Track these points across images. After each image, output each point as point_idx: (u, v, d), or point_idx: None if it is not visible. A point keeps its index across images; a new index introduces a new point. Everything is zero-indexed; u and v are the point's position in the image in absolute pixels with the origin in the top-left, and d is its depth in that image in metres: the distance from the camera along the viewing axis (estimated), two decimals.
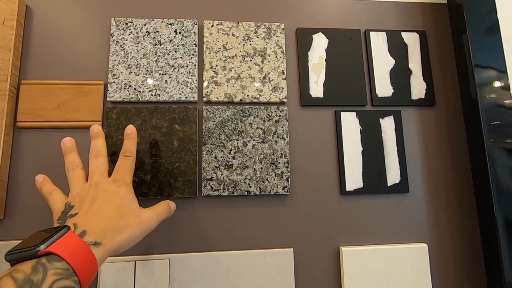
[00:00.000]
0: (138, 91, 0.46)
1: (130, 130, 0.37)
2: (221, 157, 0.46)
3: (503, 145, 0.45)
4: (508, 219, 0.44)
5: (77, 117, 0.45)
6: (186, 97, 0.47)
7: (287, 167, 0.46)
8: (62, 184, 0.36)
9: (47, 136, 0.44)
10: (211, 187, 0.45)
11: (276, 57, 0.49)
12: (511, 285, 0.42)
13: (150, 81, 0.46)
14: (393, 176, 0.48)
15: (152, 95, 0.46)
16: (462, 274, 0.47)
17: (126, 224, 0.31)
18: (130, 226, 0.31)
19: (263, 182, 0.45)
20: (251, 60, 0.48)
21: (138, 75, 0.46)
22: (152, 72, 0.47)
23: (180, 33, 0.48)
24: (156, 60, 0.47)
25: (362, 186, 0.48)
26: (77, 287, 0.25)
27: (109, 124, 0.45)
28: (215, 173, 0.45)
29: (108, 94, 0.45)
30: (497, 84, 0.47)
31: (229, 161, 0.45)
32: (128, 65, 0.46)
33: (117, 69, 0.46)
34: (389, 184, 0.48)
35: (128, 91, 0.46)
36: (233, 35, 0.49)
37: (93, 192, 0.32)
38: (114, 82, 0.46)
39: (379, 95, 0.50)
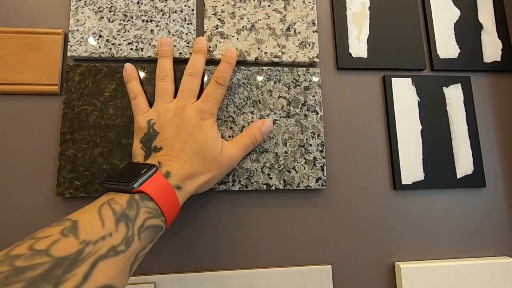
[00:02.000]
0: (113, 44, 0.32)
1: (231, 52, 0.33)
2: (229, 136, 0.33)
3: None
4: None
5: (22, 79, 0.31)
6: (180, 53, 0.33)
7: (321, 151, 0.33)
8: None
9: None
10: None
11: (303, 1, 0.36)
12: None
13: (129, 30, 0.33)
14: (463, 165, 0.35)
15: (132, 49, 0.33)
16: None
17: (206, 169, 0.30)
18: (209, 172, 0.31)
19: (289, 172, 0.32)
20: (269, 6, 0.35)
21: (113, 21, 0.33)
22: (132, 18, 0.33)
23: None
24: (138, 2, 0.34)
25: (423, 178, 0.35)
26: (164, 226, 0.27)
27: (69, 89, 0.31)
28: None
29: (69, 47, 0.32)
30: None
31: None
32: (98, 8, 0.33)
33: (82, 13, 0.33)
34: (459, 175, 0.35)
35: (98, 43, 0.32)
36: None
37: (178, 121, 0.31)
38: (77, 30, 0.32)
39: (441, 56, 0.37)
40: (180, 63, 0.33)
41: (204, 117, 0.32)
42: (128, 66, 0.33)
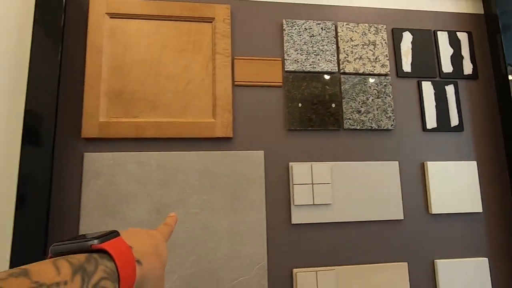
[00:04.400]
0: (303, 65, 0.74)
1: (173, 215, 0.42)
2: (353, 105, 0.74)
3: None
4: None
5: (268, 79, 0.72)
6: (331, 69, 0.75)
7: None
8: None
9: (245, 91, 0.72)
10: (350, 122, 0.73)
11: (382, 45, 0.78)
12: None
13: (309, 58, 0.74)
14: None
15: (311, 67, 0.74)
16: None
17: (161, 261, 0.33)
18: (163, 268, 0.33)
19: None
20: (365, 48, 0.77)
21: (302, 55, 0.74)
22: (310, 53, 0.75)
23: (324, 29, 0.76)
24: (312, 46, 0.75)
25: None
26: None
27: (287, 83, 0.73)
28: (351, 114, 0.73)
29: (285, 66, 0.73)
30: None
31: (359, 109, 0.74)
32: (295, 49, 0.75)
33: (289, 51, 0.74)
34: None
35: (296, 64, 0.74)
36: (356, 31, 0.77)
37: (133, 229, 0.34)
38: (287, 59, 0.74)
39: (444, 71, 0.80)
40: (332, 74, 0.75)
41: (160, 235, 0.36)
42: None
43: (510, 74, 0.76)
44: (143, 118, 0.67)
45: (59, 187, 0.61)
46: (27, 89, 0.60)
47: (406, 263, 0.69)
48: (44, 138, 0.59)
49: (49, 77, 0.61)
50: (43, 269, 0.21)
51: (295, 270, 0.66)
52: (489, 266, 0.72)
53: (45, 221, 0.57)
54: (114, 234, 0.28)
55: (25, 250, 0.55)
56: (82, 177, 0.63)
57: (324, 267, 0.66)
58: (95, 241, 0.26)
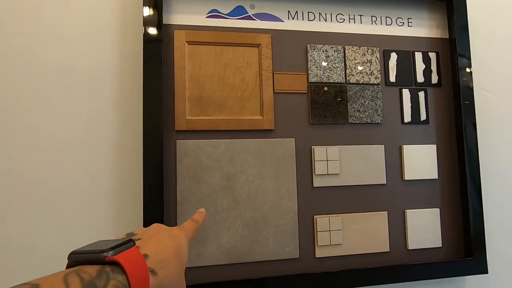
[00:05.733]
0: (321, 77, 1.05)
1: (202, 211, 0.47)
2: (355, 106, 1.07)
3: None
4: None
5: (297, 88, 1.04)
6: (340, 81, 1.07)
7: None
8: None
9: (282, 96, 1.03)
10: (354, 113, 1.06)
11: (376, 62, 1.10)
12: None
13: (325, 73, 1.06)
14: None
15: (326, 79, 1.06)
16: None
17: (181, 265, 0.33)
18: (182, 270, 0.33)
19: None
20: (364, 65, 1.09)
21: (320, 70, 1.06)
22: (326, 69, 1.06)
23: (336, 51, 1.07)
24: (327, 64, 1.06)
25: None
26: None
27: (310, 91, 1.04)
28: (354, 112, 1.06)
29: (309, 78, 1.05)
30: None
31: (358, 109, 1.07)
32: (316, 66, 1.06)
33: (312, 67, 1.05)
34: None
35: (316, 77, 1.05)
36: (358, 53, 1.09)
37: (157, 227, 0.36)
38: (310, 73, 1.05)
39: (418, 81, 1.13)
40: (340, 84, 1.07)
41: (183, 233, 0.38)
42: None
43: (461, 83, 1.10)
44: (215, 116, 0.98)
45: (165, 162, 0.93)
46: (143, 98, 0.90)
47: (386, 212, 1.05)
48: (156, 132, 0.90)
49: (156, 89, 0.91)
50: (53, 285, 0.22)
51: (315, 216, 1.01)
52: (440, 214, 1.09)
53: (161, 184, 0.89)
54: (129, 244, 0.29)
55: (153, 204, 0.87)
56: (176, 156, 0.94)
57: (334, 214, 1.02)
58: (110, 253, 0.27)
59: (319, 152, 1.02)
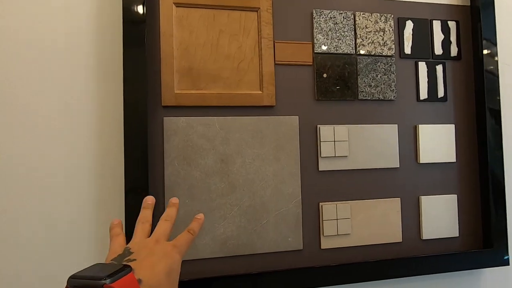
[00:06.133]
0: (328, 47, 0.93)
1: (200, 217, 0.47)
2: (366, 81, 0.95)
3: None
4: None
5: (301, 59, 0.92)
6: (350, 51, 0.94)
7: None
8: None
9: (284, 69, 0.91)
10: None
11: (389, 32, 0.97)
12: None
13: (333, 42, 0.94)
14: None
15: (334, 49, 0.93)
16: None
17: (172, 286, 0.36)
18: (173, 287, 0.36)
19: None
20: (376, 34, 0.97)
21: (327, 39, 0.93)
22: (333, 38, 0.94)
23: (345, 18, 0.94)
24: (335, 32, 0.94)
25: None
26: None
27: (316, 62, 0.92)
28: (364, 87, 0.94)
29: (314, 48, 0.92)
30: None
31: (370, 83, 0.95)
32: (322, 34, 0.93)
33: (317, 36, 0.93)
34: None
35: (323, 47, 0.93)
36: (370, 20, 0.96)
37: (152, 247, 0.38)
38: (316, 43, 0.93)
39: (436, 53, 1.01)
40: (348, 55, 0.95)
41: (176, 251, 0.39)
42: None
43: (484, 57, 0.99)
44: (207, 90, 0.86)
45: (150, 142, 0.81)
46: (123, 70, 0.77)
47: (399, 199, 0.95)
48: (139, 108, 0.78)
49: (139, 59, 0.79)
50: None
51: (321, 203, 0.90)
52: (457, 201, 0.99)
53: (146, 168, 0.77)
54: (126, 271, 0.31)
55: (136, 191, 0.76)
56: (163, 135, 0.83)
57: (341, 201, 0.91)
58: (107, 281, 0.28)
59: (325, 131, 0.91)
